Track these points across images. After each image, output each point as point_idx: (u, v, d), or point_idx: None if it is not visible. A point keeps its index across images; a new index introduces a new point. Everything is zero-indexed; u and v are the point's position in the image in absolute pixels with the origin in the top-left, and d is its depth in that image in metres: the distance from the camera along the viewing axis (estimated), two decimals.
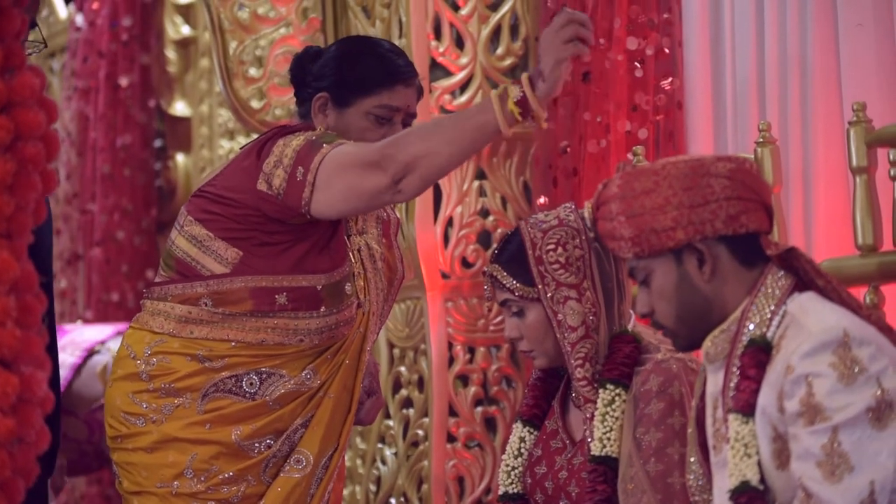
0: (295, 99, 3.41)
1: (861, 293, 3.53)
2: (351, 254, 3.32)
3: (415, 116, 3.35)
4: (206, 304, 3.21)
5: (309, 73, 3.34)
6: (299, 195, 3.14)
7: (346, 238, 3.31)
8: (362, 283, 3.33)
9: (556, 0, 4.80)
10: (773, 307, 2.64)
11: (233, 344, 3.21)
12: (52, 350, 3.44)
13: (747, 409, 2.59)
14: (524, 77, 3.03)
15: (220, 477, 3.20)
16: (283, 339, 3.21)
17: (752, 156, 3.70)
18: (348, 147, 3.14)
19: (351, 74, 3.30)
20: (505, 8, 5.07)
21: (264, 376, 3.22)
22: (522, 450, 3.22)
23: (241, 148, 3.36)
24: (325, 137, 3.17)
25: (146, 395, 3.23)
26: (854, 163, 3.61)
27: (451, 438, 4.98)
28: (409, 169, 3.05)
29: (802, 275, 2.66)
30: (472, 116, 3.06)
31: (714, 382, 2.72)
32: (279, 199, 3.16)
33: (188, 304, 3.22)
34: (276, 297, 3.20)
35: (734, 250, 2.67)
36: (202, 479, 3.20)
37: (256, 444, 3.22)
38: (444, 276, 4.98)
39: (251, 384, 3.22)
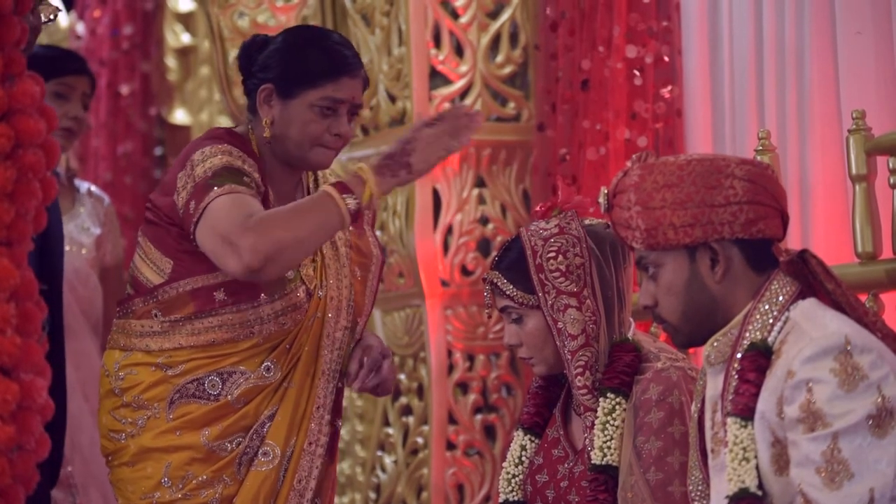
0: (243, 90, 3.37)
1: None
2: None
3: (360, 107, 3.32)
4: (157, 315, 3.24)
5: (255, 63, 3.31)
6: (188, 224, 3.17)
7: None
8: (311, 272, 3.31)
9: (555, 8, 4.81)
10: (775, 313, 2.64)
11: (187, 349, 3.23)
12: (61, 358, 3.46)
13: (746, 413, 2.59)
14: (370, 177, 3.10)
15: (196, 481, 3.21)
16: (233, 335, 3.22)
17: None
18: (224, 210, 3.11)
19: (296, 65, 3.26)
20: (504, 16, 5.07)
21: (225, 376, 3.23)
22: (523, 458, 3.22)
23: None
24: (218, 179, 3.15)
25: (123, 409, 3.26)
26: (853, 171, 3.61)
27: (450, 446, 4.98)
28: (270, 259, 3.05)
29: (811, 280, 2.66)
30: (332, 209, 3.09)
31: (714, 386, 2.72)
32: (180, 217, 3.19)
33: (143, 318, 3.25)
34: (215, 294, 3.21)
35: (746, 253, 2.67)
36: (179, 486, 3.21)
37: (227, 444, 3.23)
38: (444, 283, 4.99)
39: (213, 385, 3.23)
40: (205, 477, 3.22)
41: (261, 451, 3.25)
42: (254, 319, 3.23)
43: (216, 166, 3.17)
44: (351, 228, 3.36)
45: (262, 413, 3.25)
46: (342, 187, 3.10)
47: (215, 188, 3.14)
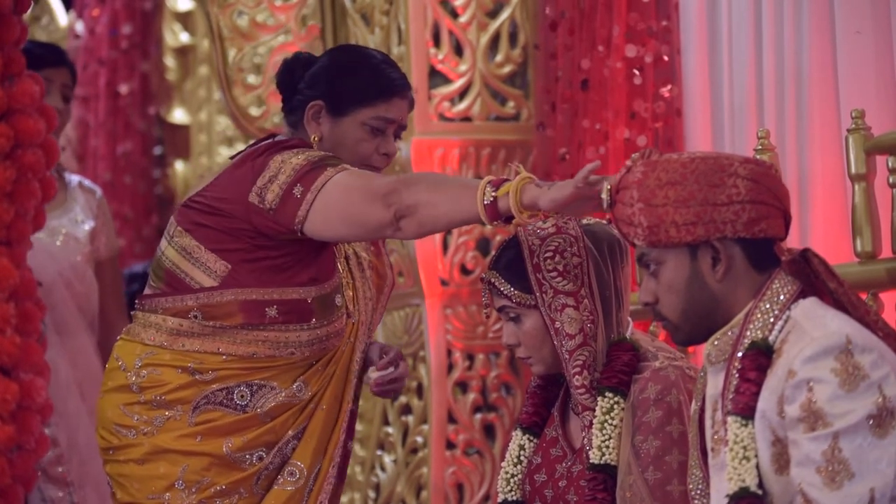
0: (283, 106, 3.37)
1: None
2: (339, 263, 3.32)
3: (405, 128, 3.35)
4: (197, 317, 3.20)
5: (300, 79, 3.32)
6: (294, 212, 3.12)
7: (334, 249, 3.31)
8: (351, 294, 3.32)
9: (555, 7, 4.81)
10: (776, 312, 2.64)
11: (224, 357, 3.20)
12: None
13: (746, 412, 2.58)
14: (517, 182, 2.92)
15: (213, 490, 3.19)
16: (274, 352, 3.21)
17: None
18: (355, 174, 3.13)
19: (348, 85, 3.28)
20: (504, 15, 5.08)
21: (255, 388, 3.21)
22: (522, 457, 3.22)
23: (231, 157, 3.33)
24: (329, 160, 3.16)
25: (137, 406, 3.22)
26: (853, 170, 3.61)
27: (450, 445, 4.98)
28: (411, 211, 3.04)
29: (814, 279, 2.66)
30: (474, 191, 2.99)
31: (714, 385, 2.72)
32: (270, 214, 3.14)
33: (179, 316, 3.21)
34: (267, 310, 3.19)
35: (748, 253, 2.67)
36: (193, 490, 3.19)
37: (248, 457, 3.22)
38: (444, 283, 4.99)
39: (242, 396, 3.21)
40: (222, 486, 3.20)
41: (287, 470, 3.24)
42: (299, 341, 3.22)
43: (318, 154, 3.17)
44: (371, 248, 3.37)
45: (287, 430, 3.24)
46: (493, 181, 2.98)
47: (329, 168, 3.13)
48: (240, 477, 3.21)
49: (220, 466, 3.20)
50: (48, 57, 4.58)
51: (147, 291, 3.29)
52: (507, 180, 2.96)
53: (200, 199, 3.23)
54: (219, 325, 3.19)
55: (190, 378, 3.20)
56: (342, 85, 3.28)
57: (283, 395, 3.22)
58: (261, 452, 3.22)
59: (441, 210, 3.03)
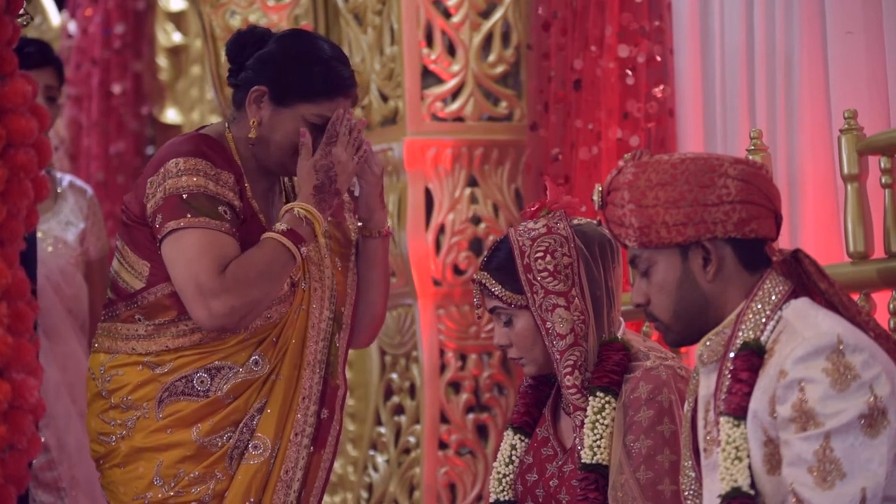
0: (228, 77, 3.36)
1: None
2: None
3: None
4: (140, 319, 3.26)
5: (248, 56, 3.31)
6: (154, 235, 3.21)
7: (262, 222, 3.30)
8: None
9: (548, 7, 4.81)
10: (768, 312, 2.64)
11: (173, 351, 3.24)
12: None
13: (739, 413, 2.59)
14: (318, 219, 3.25)
15: (188, 478, 3.23)
16: (220, 333, 3.23)
17: None
18: (197, 244, 3.17)
19: (295, 77, 3.27)
20: (497, 15, 5.08)
21: (213, 372, 3.24)
22: (513, 457, 3.22)
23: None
24: (192, 204, 3.18)
25: (111, 412, 3.27)
26: (845, 170, 3.61)
27: (442, 445, 4.98)
28: (244, 317, 3.18)
29: (805, 279, 2.67)
30: (290, 258, 3.21)
31: (706, 385, 2.72)
32: (150, 223, 3.22)
33: (128, 322, 3.27)
34: None
35: (739, 253, 2.67)
36: (171, 484, 3.23)
37: (217, 439, 3.24)
38: (436, 283, 4.99)
39: (202, 382, 3.24)
40: (196, 473, 3.23)
41: (251, 444, 3.26)
42: None
43: (191, 187, 3.19)
44: (330, 218, 3.37)
45: (251, 406, 3.26)
46: (296, 238, 3.20)
47: (188, 215, 3.17)
48: (212, 460, 3.24)
49: (192, 456, 3.23)
50: (32, 56, 4.54)
51: (105, 301, 3.35)
52: (293, 230, 3.22)
53: (126, 200, 3.30)
54: (159, 322, 3.24)
55: (150, 373, 3.24)
56: (288, 77, 3.27)
57: (242, 372, 3.25)
58: (228, 433, 3.25)
59: (272, 296, 3.24)
